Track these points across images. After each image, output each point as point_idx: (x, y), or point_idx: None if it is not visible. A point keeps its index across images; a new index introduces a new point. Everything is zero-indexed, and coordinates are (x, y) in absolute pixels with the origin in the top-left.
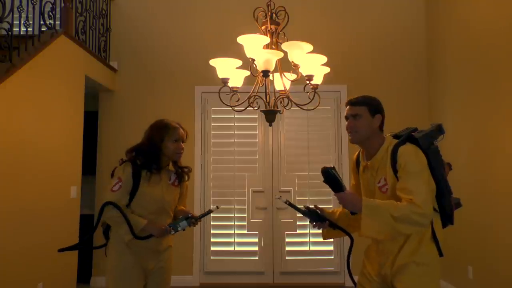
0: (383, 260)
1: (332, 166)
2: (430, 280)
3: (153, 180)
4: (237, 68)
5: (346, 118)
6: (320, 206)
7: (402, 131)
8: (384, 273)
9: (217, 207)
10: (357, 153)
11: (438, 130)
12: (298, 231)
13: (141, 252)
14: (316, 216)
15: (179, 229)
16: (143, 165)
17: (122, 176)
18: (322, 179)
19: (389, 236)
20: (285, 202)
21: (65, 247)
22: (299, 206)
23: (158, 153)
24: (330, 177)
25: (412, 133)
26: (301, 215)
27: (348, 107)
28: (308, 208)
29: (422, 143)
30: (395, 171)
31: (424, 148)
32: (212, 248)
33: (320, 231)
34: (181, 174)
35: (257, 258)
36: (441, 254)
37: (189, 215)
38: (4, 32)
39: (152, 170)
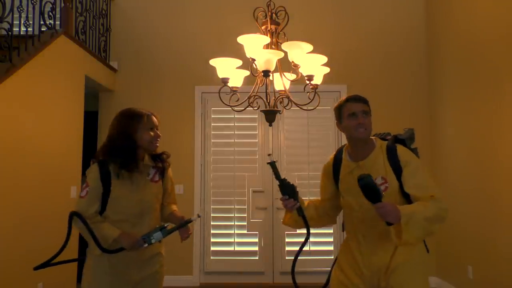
0: (375, 264)
1: (367, 173)
2: (425, 277)
3: (128, 180)
4: (237, 68)
5: (355, 114)
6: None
7: (375, 135)
8: (378, 278)
9: (199, 216)
10: (332, 157)
11: (413, 134)
12: (298, 231)
13: (121, 263)
14: (292, 192)
15: (152, 241)
16: (121, 165)
17: (89, 180)
18: (321, 180)
19: (423, 239)
20: (268, 162)
21: (41, 264)
22: (282, 177)
23: (134, 146)
24: (369, 186)
25: (396, 135)
26: (279, 184)
27: (357, 103)
28: (288, 181)
29: (408, 144)
30: (396, 170)
31: (409, 149)
32: (212, 248)
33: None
34: (162, 165)
35: (257, 258)
36: (427, 250)
37: (165, 226)
38: (4, 32)
39: (133, 168)
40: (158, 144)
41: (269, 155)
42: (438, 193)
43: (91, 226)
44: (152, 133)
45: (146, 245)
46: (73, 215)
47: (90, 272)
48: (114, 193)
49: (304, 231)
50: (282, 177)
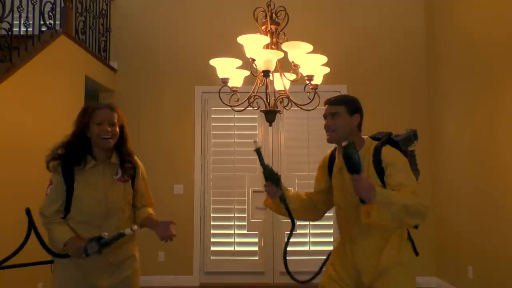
0: (360, 264)
1: (352, 141)
2: (411, 279)
3: (92, 179)
4: (237, 68)
5: (325, 117)
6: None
7: (376, 134)
8: (361, 277)
9: (132, 230)
10: (329, 152)
11: (414, 135)
12: (298, 231)
13: (88, 267)
14: (276, 180)
15: (89, 252)
16: (74, 161)
17: (52, 177)
18: (316, 176)
19: (395, 226)
20: (254, 150)
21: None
22: (266, 163)
23: (87, 142)
24: (348, 155)
25: (391, 136)
26: (263, 171)
27: (326, 106)
28: (272, 169)
29: (402, 146)
30: (378, 171)
31: (403, 150)
32: (212, 248)
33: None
34: (131, 165)
35: (257, 258)
36: (417, 254)
37: (102, 236)
38: (4, 32)
39: (82, 164)
40: (108, 140)
41: (254, 141)
42: (419, 194)
43: (48, 227)
44: (99, 128)
45: (84, 255)
46: (27, 212)
47: (58, 276)
48: (77, 191)
49: (304, 231)
50: (267, 164)
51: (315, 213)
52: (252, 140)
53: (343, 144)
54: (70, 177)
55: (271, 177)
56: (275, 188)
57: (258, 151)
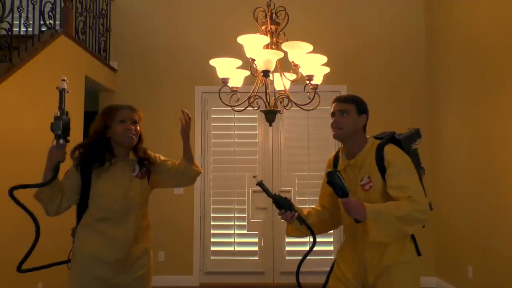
0: (365, 262)
1: (337, 169)
2: (414, 278)
3: (111, 176)
4: (237, 68)
5: (333, 114)
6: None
7: (380, 134)
8: (366, 276)
9: (64, 81)
10: (334, 153)
11: (417, 134)
12: None
13: (106, 265)
14: (287, 204)
15: (59, 138)
16: (96, 160)
17: (69, 174)
18: (323, 179)
19: (396, 239)
20: (257, 184)
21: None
22: (272, 193)
23: (108, 142)
24: (332, 182)
25: (394, 135)
26: (272, 201)
27: (335, 103)
28: (279, 195)
29: (404, 145)
30: (381, 169)
31: (406, 149)
32: (212, 248)
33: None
34: (147, 162)
35: (257, 258)
36: (419, 253)
37: (56, 115)
38: (4, 32)
39: (106, 162)
40: (132, 138)
41: (254, 177)
42: (419, 195)
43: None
44: (122, 126)
45: (62, 141)
46: (12, 191)
47: (74, 274)
48: (96, 189)
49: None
50: (274, 193)
51: (334, 220)
52: (253, 176)
53: (327, 172)
54: (88, 175)
55: (282, 204)
56: (290, 213)
57: (261, 184)
